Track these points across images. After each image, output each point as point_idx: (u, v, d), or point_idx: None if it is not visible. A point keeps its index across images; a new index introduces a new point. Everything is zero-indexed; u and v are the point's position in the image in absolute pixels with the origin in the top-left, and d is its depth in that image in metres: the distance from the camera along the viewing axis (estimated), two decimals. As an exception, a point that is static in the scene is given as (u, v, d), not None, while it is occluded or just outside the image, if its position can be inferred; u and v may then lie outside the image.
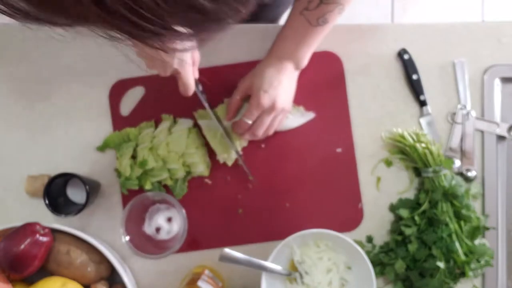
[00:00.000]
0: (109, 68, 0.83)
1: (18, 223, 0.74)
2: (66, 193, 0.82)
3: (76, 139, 0.83)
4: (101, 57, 0.83)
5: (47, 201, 0.77)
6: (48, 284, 0.73)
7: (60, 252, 0.75)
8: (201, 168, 0.79)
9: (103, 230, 0.82)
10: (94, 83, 0.83)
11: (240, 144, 0.80)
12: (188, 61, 0.71)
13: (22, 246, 0.70)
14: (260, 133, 0.76)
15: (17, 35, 0.84)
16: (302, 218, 0.81)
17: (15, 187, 0.82)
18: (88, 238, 0.76)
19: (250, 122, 0.74)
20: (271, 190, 0.82)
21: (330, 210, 0.81)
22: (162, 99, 0.83)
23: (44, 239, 0.73)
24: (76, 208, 0.78)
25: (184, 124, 0.80)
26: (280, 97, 0.73)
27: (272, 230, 0.81)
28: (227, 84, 0.81)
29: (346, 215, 0.81)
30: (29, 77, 0.84)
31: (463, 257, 0.74)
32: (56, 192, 0.79)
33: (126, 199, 0.81)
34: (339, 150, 0.82)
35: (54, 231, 0.76)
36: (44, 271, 0.76)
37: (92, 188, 0.78)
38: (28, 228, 0.72)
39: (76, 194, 0.82)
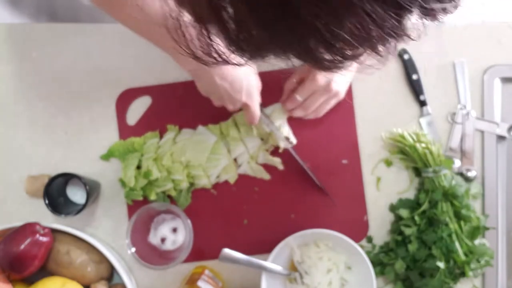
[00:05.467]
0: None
1: (18, 223, 0.74)
2: (66, 193, 0.82)
3: (77, 139, 0.83)
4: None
5: (47, 201, 0.77)
6: (48, 284, 0.73)
7: (60, 252, 0.75)
8: (204, 181, 0.79)
9: (103, 230, 0.82)
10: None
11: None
12: (255, 93, 0.71)
13: (22, 246, 0.71)
14: (310, 110, 0.75)
15: (17, 35, 0.84)
16: (307, 229, 0.79)
17: (15, 187, 0.82)
18: (88, 238, 0.76)
19: (300, 99, 0.74)
20: (277, 201, 0.81)
21: (335, 222, 0.80)
22: (168, 109, 0.82)
23: (44, 239, 0.73)
24: (76, 208, 0.78)
25: (188, 134, 0.80)
26: (336, 80, 0.73)
27: (278, 241, 0.79)
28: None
29: (352, 228, 0.80)
30: (29, 77, 0.84)
31: (463, 257, 0.74)
32: (56, 192, 0.79)
33: (130, 207, 0.81)
34: (345, 161, 0.81)
35: (54, 231, 0.76)
36: (44, 271, 0.76)
37: (92, 188, 0.78)
38: (28, 228, 0.72)
39: (76, 194, 0.82)
